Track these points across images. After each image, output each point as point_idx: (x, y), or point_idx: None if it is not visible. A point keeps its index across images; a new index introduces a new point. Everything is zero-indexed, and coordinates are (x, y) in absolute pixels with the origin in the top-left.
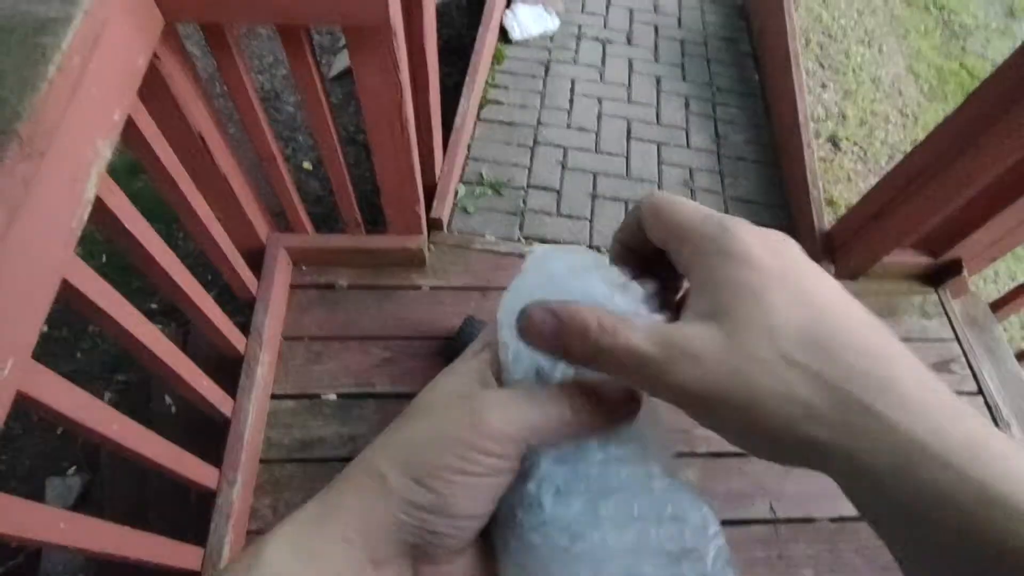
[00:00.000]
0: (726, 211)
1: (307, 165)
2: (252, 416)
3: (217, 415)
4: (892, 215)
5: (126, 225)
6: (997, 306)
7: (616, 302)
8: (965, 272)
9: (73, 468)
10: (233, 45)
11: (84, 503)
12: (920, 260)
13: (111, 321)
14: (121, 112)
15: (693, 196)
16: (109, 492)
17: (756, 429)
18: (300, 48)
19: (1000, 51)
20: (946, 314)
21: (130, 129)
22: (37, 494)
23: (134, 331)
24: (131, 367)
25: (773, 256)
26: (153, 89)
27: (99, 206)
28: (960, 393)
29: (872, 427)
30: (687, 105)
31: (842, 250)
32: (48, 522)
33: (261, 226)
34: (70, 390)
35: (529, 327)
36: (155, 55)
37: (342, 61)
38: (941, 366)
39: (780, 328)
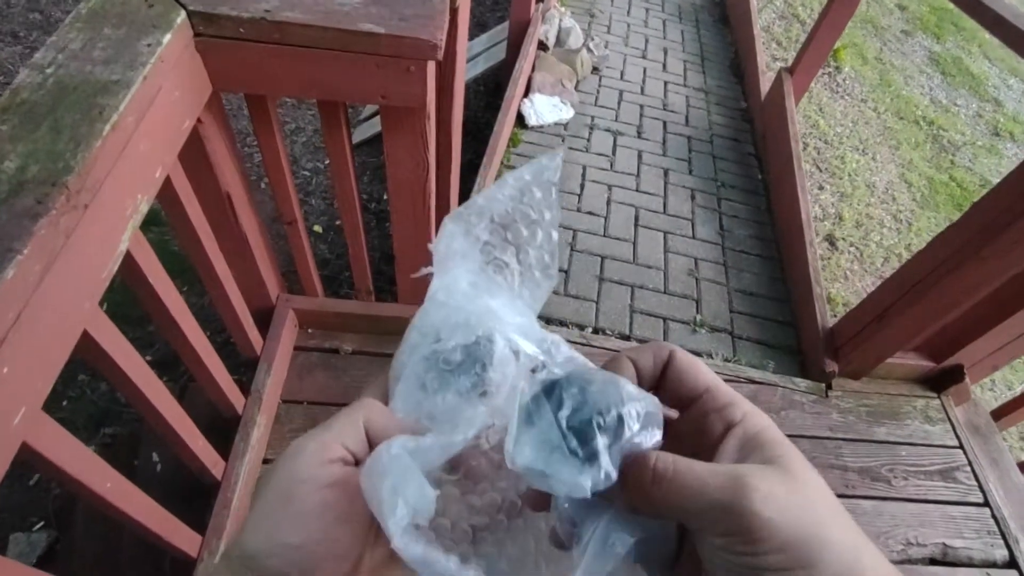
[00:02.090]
0: (730, 303)
1: (317, 228)
2: (243, 481)
3: (208, 477)
4: (895, 319)
5: (149, 278)
6: (998, 415)
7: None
8: (967, 379)
9: (41, 524)
10: (272, 114)
11: (47, 563)
12: (923, 364)
13: (122, 375)
14: (162, 170)
15: (698, 286)
16: (80, 552)
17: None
18: (337, 121)
19: (987, 167)
20: (949, 420)
21: (166, 186)
22: None
23: (143, 387)
24: (118, 421)
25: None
26: (191, 149)
27: (127, 258)
28: (966, 504)
29: None
30: (693, 197)
31: (845, 349)
32: None
33: (272, 286)
34: (74, 446)
35: (633, 486)
36: (198, 119)
37: (362, 132)
38: (947, 474)
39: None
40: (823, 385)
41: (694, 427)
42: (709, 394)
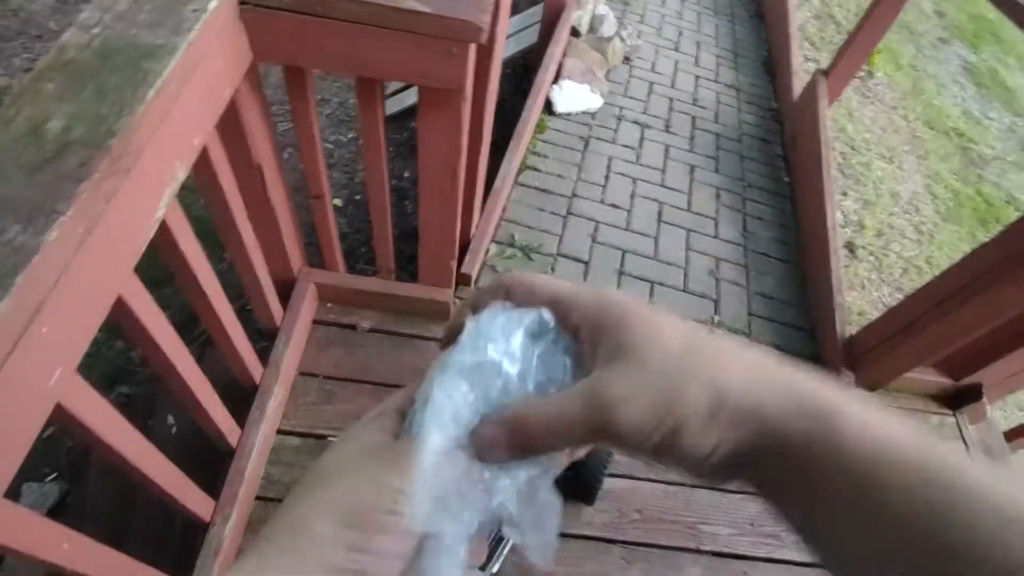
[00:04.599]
0: (749, 306)
1: (337, 202)
2: (257, 450)
3: (223, 444)
4: (918, 333)
5: (182, 247)
6: (1010, 436)
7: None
8: (985, 399)
9: (54, 475)
10: (309, 87)
11: (58, 513)
12: (940, 381)
13: (150, 341)
14: (200, 139)
15: (718, 286)
16: (91, 506)
17: (688, 438)
18: (372, 98)
19: (1016, 183)
20: (963, 439)
21: (202, 154)
22: (9, 497)
23: (169, 353)
24: (133, 380)
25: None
26: (226, 119)
27: (162, 225)
28: None
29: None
30: (718, 196)
31: (863, 360)
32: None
33: (295, 259)
34: (104, 408)
35: (483, 444)
36: (236, 88)
37: (386, 109)
38: None
39: (669, 343)
40: None
41: None
42: (553, 309)
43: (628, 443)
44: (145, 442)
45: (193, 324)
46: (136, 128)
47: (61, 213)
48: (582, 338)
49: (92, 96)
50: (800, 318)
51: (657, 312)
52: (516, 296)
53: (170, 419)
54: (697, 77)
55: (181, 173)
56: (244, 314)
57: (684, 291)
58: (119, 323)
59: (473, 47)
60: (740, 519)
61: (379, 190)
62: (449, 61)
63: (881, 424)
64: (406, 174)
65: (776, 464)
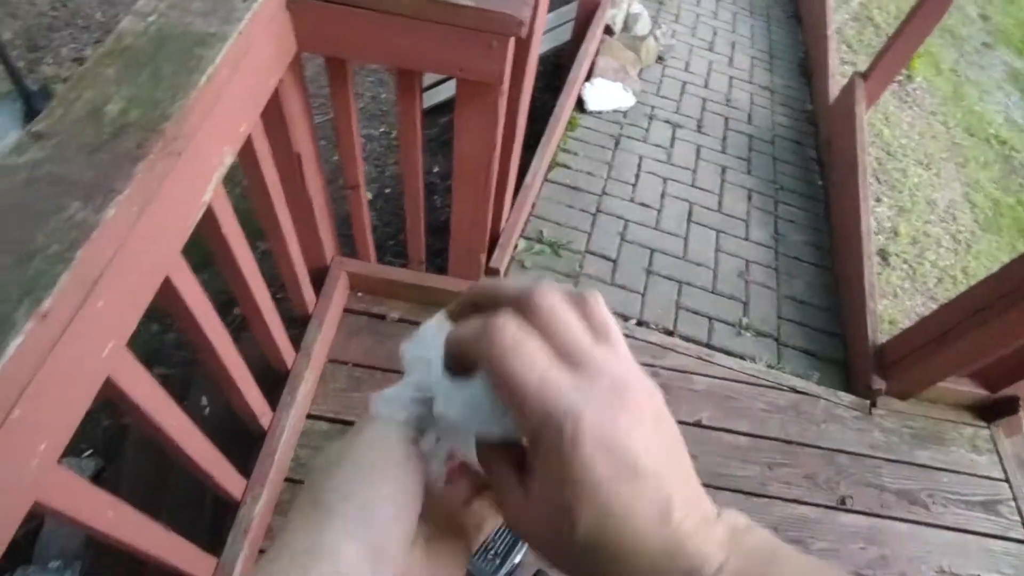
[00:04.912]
0: (779, 309)
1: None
2: (287, 433)
3: (255, 426)
4: (955, 342)
5: (224, 231)
6: None
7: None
8: (1022, 412)
9: (90, 452)
10: (349, 79)
11: None
12: (976, 392)
13: (193, 322)
14: (247, 126)
15: (747, 288)
16: (126, 481)
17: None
18: (412, 90)
19: None
20: (997, 452)
21: (247, 142)
22: None
23: (210, 335)
24: (169, 362)
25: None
26: (270, 108)
27: (207, 209)
28: (1007, 539)
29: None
30: (749, 198)
31: (895, 368)
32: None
33: (329, 248)
34: (151, 384)
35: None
36: (280, 78)
37: None
38: (989, 507)
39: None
40: (867, 402)
41: None
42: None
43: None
44: (186, 419)
45: (227, 309)
46: (189, 113)
47: (118, 192)
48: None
49: (148, 81)
50: (831, 323)
51: (620, 431)
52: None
53: (203, 400)
54: (731, 78)
55: (228, 159)
56: (276, 301)
57: (713, 292)
58: (163, 304)
59: (512, 41)
60: (765, 522)
61: (414, 181)
62: (488, 54)
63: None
64: (435, 169)
65: None
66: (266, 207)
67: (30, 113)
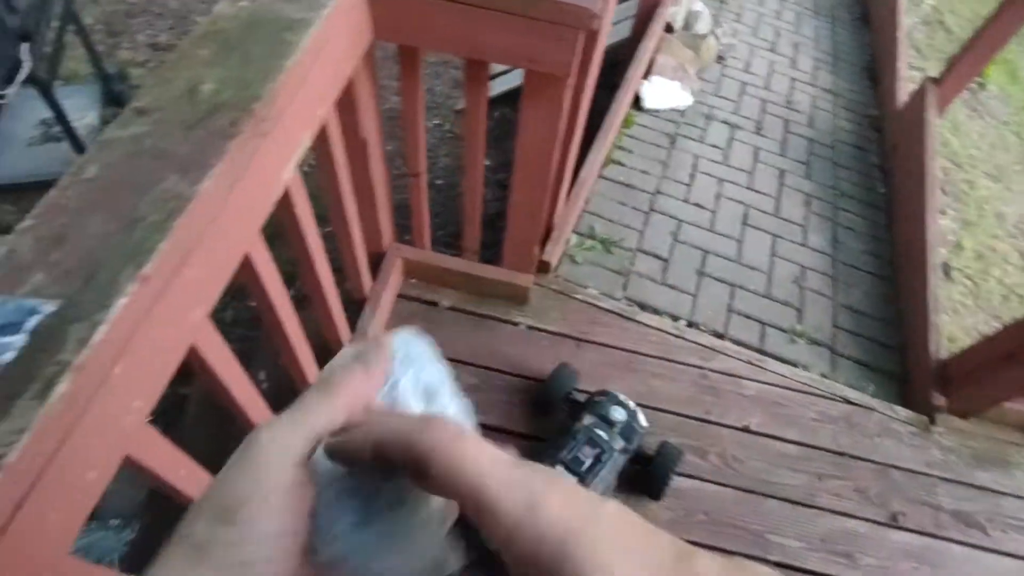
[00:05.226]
0: (834, 318)
1: None
2: None
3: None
4: (1022, 362)
5: (297, 211)
6: None
7: None
8: None
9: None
10: (419, 67)
11: None
12: None
13: (267, 299)
14: (324, 110)
15: (802, 295)
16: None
17: None
18: (479, 80)
19: None
20: None
21: (322, 126)
22: None
23: (280, 312)
24: (230, 338)
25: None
26: (343, 94)
27: (284, 191)
28: None
29: None
30: (808, 203)
31: (957, 385)
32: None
33: (386, 234)
34: (226, 352)
35: None
36: (355, 66)
37: None
38: None
39: None
40: (926, 418)
41: None
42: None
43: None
44: (254, 390)
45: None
46: (276, 95)
47: (212, 167)
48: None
49: (239, 63)
50: (889, 335)
51: (617, 548)
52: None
53: (261, 375)
54: (793, 79)
55: (307, 141)
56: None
57: (766, 297)
58: (242, 279)
59: (583, 34)
60: (811, 533)
61: (475, 170)
62: (559, 46)
63: None
64: (486, 163)
65: None
66: (333, 190)
67: (108, 94)
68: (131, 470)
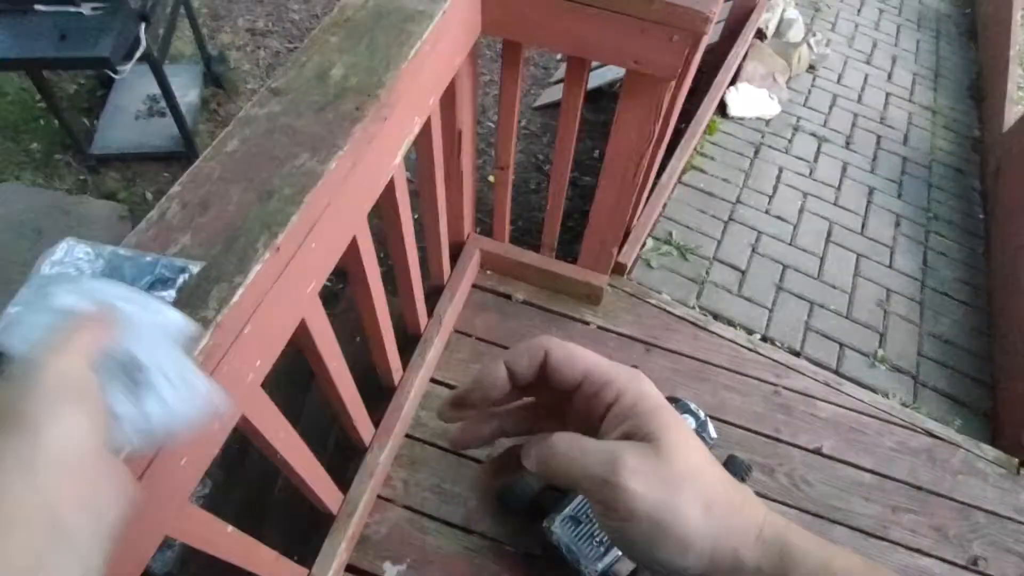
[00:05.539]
0: (920, 346)
1: (492, 178)
2: (413, 392)
3: (387, 381)
4: None
5: (397, 195)
6: None
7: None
8: None
9: None
10: (521, 62)
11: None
12: None
13: (365, 282)
14: (434, 99)
15: (886, 319)
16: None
17: (669, 539)
18: (579, 78)
19: None
20: None
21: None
22: None
23: (375, 295)
24: None
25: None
26: (449, 84)
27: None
28: None
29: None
30: (897, 224)
31: None
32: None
33: (467, 224)
34: (329, 330)
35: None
36: (463, 58)
37: (550, 95)
38: None
39: (698, 466)
40: (1016, 460)
41: (584, 409)
42: (587, 379)
43: (615, 513)
44: (343, 362)
45: None
46: (397, 82)
47: (340, 148)
48: (615, 411)
49: (365, 50)
50: (978, 369)
51: (684, 424)
52: (554, 358)
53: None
54: (888, 94)
55: (417, 128)
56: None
57: (847, 318)
58: (345, 261)
59: (693, 37)
60: None
61: (563, 166)
62: (668, 48)
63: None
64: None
65: None
66: (428, 179)
67: (208, 75)
68: (244, 429)
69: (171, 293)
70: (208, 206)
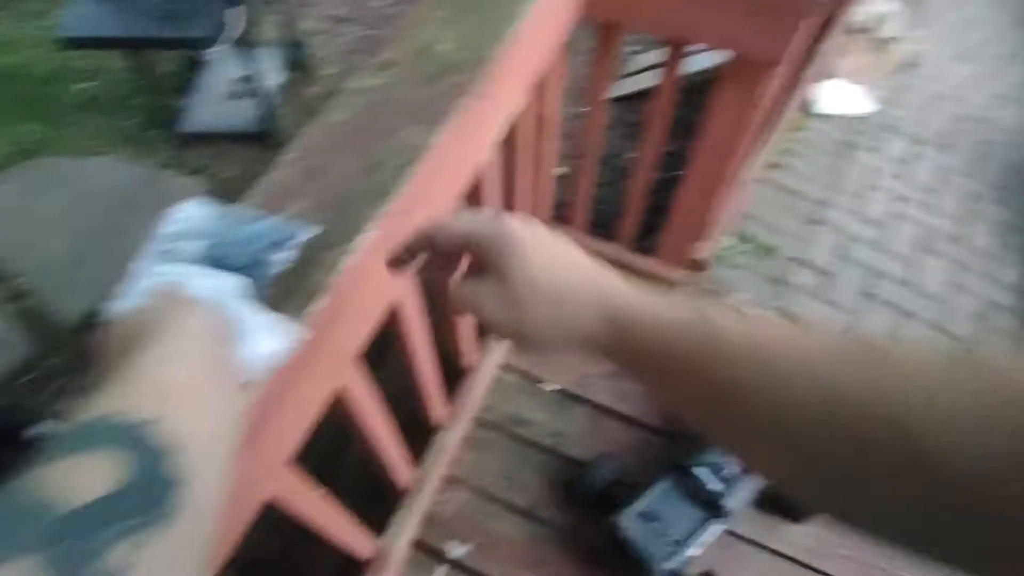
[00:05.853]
0: None
1: (564, 170)
2: (485, 377)
3: (463, 362)
4: None
5: (489, 176)
6: None
7: None
8: None
9: None
10: (618, 46)
11: None
12: None
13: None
14: (531, 80)
15: (985, 334)
16: None
17: (530, 343)
18: (676, 62)
19: None
20: None
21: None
22: None
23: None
24: None
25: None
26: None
27: None
28: None
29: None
30: (1002, 233)
31: None
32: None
33: (544, 209)
34: (417, 303)
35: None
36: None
37: (620, 88)
38: None
39: (535, 277)
40: None
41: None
42: (465, 240)
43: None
44: (428, 342)
45: None
46: (499, 59)
47: (444, 122)
48: (483, 256)
49: (472, 26)
50: None
51: (533, 242)
52: (440, 238)
53: None
54: (993, 95)
55: (513, 108)
56: None
57: (939, 329)
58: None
59: (803, 22)
60: None
61: (652, 157)
62: (775, 31)
63: (662, 308)
64: (628, 154)
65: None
66: (511, 163)
67: (290, 59)
68: (343, 400)
69: (287, 255)
70: (318, 173)
